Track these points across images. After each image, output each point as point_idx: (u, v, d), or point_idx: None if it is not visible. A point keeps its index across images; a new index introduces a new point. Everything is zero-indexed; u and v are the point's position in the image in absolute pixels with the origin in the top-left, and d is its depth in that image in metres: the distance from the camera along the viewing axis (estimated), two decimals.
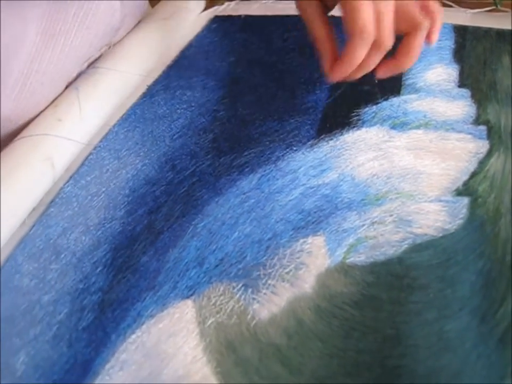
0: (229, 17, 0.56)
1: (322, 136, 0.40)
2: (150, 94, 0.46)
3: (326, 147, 0.39)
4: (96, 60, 0.47)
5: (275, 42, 0.51)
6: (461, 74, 0.45)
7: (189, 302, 0.29)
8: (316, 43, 0.41)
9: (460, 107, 0.41)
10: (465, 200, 0.34)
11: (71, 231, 0.34)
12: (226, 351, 0.27)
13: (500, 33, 0.49)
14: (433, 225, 0.33)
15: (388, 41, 0.38)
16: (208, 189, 0.36)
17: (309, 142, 0.39)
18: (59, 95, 0.43)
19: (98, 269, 0.32)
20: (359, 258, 0.31)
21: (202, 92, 0.45)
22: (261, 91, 0.45)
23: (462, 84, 0.44)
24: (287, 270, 0.31)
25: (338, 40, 0.40)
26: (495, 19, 0.51)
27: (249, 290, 0.30)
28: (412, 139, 0.39)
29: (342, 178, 0.36)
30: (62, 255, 0.32)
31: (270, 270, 0.31)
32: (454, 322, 0.27)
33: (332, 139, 0.39)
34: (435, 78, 0.44)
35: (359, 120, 0.41)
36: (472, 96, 0.42)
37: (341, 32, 0.38)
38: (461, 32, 0.50)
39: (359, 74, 0.40)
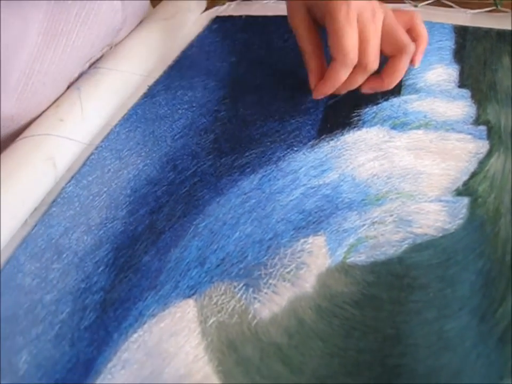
0: (230, 17, 0.56)
1: (323, 137, 0.40)
2: (151, 94, 0.46)
3: (327, 147, 0.39)
4: (97, 60, 0.47)
5: (276, 43, 0.51)
6: (461, 74, 0.45)
7: (191, 302, 0.29)
8: (303, 58, 0.42)
9: (460, 107, 0.42)
10: (465, 200, 0.34)
11: (73, 231, 0.34)
12: (227, 350, 0.27)
13: (500, 34, 0.49)
14: (433, 225, 0.33)
15: (373, 65, 0.39)
16: (209, 189, 0.36)
17: (310, 143, 0.39)
18: (61, 95, 0.43)
19: (100, 269, 0.32)
20: (360, 258, 0.31)
21: (203, 92, 0.46)
22: (262, 91, 0.45)
23: (462, 84, 0.44)
24: (288, 269, 0.31)
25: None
26: (495, 19, 0.51)
27: (251, 289, 0.30)
28: (412, 139, 0.39)
29: (343, 178, 0.36)
30: (64, 255, 0.33)
31: (271, 270, 0.31)
32: (453, 322, 0.27)
33: (332, 139, 0.39)
34: (435, 79, 0.45)
35: (360, 120, 0.41)
36: (472, 97, 0.42)
37: None
38: (461, 33, 0.50)
39: (344, 91, 0.42)
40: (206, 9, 0.59)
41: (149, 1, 0.55)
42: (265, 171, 0.37)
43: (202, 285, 0.30)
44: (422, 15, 0.52)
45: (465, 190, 0.35)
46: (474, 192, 0.34)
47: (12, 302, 0.30)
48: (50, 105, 0.42)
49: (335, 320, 0.28)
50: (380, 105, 0.42)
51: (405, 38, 0.40)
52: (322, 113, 0.42)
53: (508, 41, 0.48)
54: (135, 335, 0.28)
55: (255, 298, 0.29)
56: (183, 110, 0.44)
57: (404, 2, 0.55)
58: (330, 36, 0.38)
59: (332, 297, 0.29)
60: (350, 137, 0.39)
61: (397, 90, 0.43)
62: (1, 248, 0.33)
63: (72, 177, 0.38)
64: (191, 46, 0.52)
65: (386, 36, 0.39)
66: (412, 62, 0.41)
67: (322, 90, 0.41)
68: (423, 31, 0.42)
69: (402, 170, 0.37)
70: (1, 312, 0.29)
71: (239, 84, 0.46)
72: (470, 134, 0.39)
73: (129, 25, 0.50)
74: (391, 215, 0.33)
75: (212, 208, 0.35)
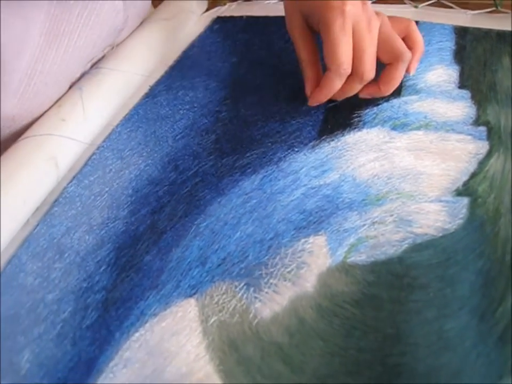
0: (231, 18, 0.56)
1: (323, 137, 0.40)
2: (152, 94, 0.46)
3: (328, 148, 0.39)
4: (99, 60, 0.47)
5: (277, 43, 0.51)
6: (461, 75, 0.45)
7: (192, 301, 0.30)
8: (300, 65, 0.42)
9: (460, 108, 0.42)
10: (465, 200, 0.34)
11: (74, 231, 0.34)
12: (228, 349, 0.27)
13: (500, 35, 0.49)
14: (433, 225, 0.33)
15: (369, 74, 0.40)
16: (210, 189, 0.36)
17: (311, 143, 0.40)
18: (63, 95, 0.43)
19: (102, 268, 0.32)
20: (360, 257, 0.31)
21: (205, 93, 0.46)
22: (262, 92, 0.45)
23: (462, 85, 0.44)
24: (288, 269, 0.31)
25: None
26: (496, 20, 0.52)
27: (251, 289, 0.30)
28: (412, 140, 0.39)
29: (343, 178, 0.36)
30: (66, 254, 0.33)
31: (272, 269, 0.31)
32: (453, 321, 0.28)
33: (333, 140, 0.40)
34: (435, 79, 0.45)
35: (360, 121, 0.41)
36: (472, 97, 0.43)
37: None
38: (462, 34, 0.50)
39: (341, 98, 0.42)
40: (207, 9, 0.59)
41: (150, 2, 0.55)
42: (266, 171, 0.37)
43: (204, 285, 0.30)
44: (422, 16, 0.53)
45: (465, 190, 0.35)
46: (474, 193, 0.35)
47: (14, 301, 0.30)
48: (52, 105, 0.42)
49: (336, 319, 0.28)
50: (380, 106, 0.42)
51: (401, 45, 0.40)
52: (323, 114, 0.42)
53: (508, 42, 0.48)
54: (137, 334, 0.28)
55: (256, 297, 0.30)
56: (185, 111, 0.44)
57: (404, 3, 0.56)
58: (325, 45, 0.39)
59: (333, 297, 0.29)
60: (351, 138, 0.40)
61: (397, 91, 0.43)
62: (3, 247, 0.33)
63: (74, 177, 0.38)
64: (192, 46, 0.52)
65: (383, 43, 0.40)
66: (407, 69, 0.42)
67: (318, 98, 0.42)
68: (418, 38, 0.42)
69: (403, 171, 0.37)
70: (4, 312, 0.29)
71: (240, 84, 0.47)
72: (470, 134, 0.39)
73: (130, 25, 0.50)
74: (391, 215, 0.34)
75: (213, 208, 0.35)
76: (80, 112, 0.41)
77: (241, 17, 0.56)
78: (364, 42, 0.38)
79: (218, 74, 0.48)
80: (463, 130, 0.40)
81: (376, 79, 0.41)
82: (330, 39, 0.38)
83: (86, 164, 0.39)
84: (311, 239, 0.32)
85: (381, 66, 0.41)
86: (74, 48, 0.42)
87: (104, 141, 0.41)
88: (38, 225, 0.35)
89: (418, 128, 0.40)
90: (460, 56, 0.47)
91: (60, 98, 0.43)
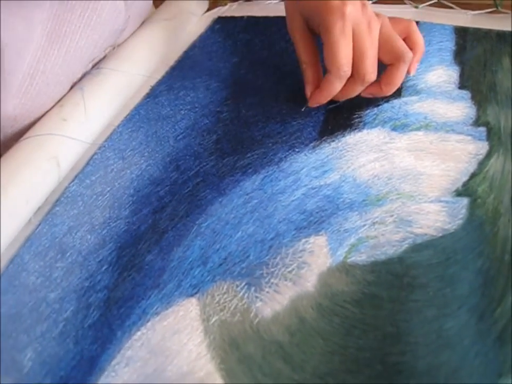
0: (232, 18, 0.56)
1: (324, 138, 0.40)
2: (153, 94, 0.46)
3: (328, 148, 0.39)
4: (100, 60, 0.47)
5: (278, 44, 0.51)
6: (461, 76, 0.45)
7: (193, 300, 0.30)
8: (300, 66, 0.42)
9: (460, 109, 0.42)
10: (465, 201, 0.34)
11: (76, 230, 0.34)
12: (229, 348, 0.27)
13: (500, 35, 0.49)
14: (433, 225, 0.33)
15: (371, 76, 0.40)
16: (211, 189, 0.37)
17: (311, 144, 0.40)
18: (64, 95, 0.44)
19: (104, 267, 0.32)
20: (360, 257, 0.32)
21: (206, 93, 0.46)
22: (263, 92, 0.45)
23: (462, 85, 0.44)
24: (289, 269, 0.31)
25: None
26: (496, 20, 0.52)
27: (252, 288, 0.30)
28: (412, 140, 0.39)
29: (344, 179, 0.37)
30: (68, 254, 0.33)
31: (272, 269, 0.31)
32: (453, 320, 0.28)
33: (333, 141, 0.40)
34: (436, 80, 0.45)
35: (361, 122, 0.41)
36: (472, 98, 0.43)
37: None
38: (462, 34, 0.50)
39: (342, 100, 0.42)
40: (208, 9, 0.59)
41: (151, 2, 0.55)
42: (267, 172, 0.38)
43: (205, 284, 0.31)
44: (423, 16, 0.53)
45: (465, 190, 0.35)
46: (473, 193, 0.35)
47: (16, 300, 0.30)
48: (53, 105, 0.42)
49: (336, 318, 0.28)
50: (380, 106, 0.42)
51: (402, 46, 0.40)
52: (324, 115, 0.42)
53: (508, 42, 0.48)
54: (139, 333, 0.28)
55: (257, 297, 0.30)
56: (186, 111, 0.44)
57: (404, 3, 0.56)
58: (325, 48, 0.39)
59: (333, 296, 0.30)
60: (351, 138, 0.40)
61: (397, 92, 0.43)
62: (5, 247, 0.33)
63: (76, 176, 0.38)
64: (193, 46, 0.52)
65: (384, 44, 0.40)
66: (408, 70, 0.42)
67: (318, 100, 0.42)
68: (419, 39, 0.42)
69: (403, 171, 0.37)
70: (6, 310, 0.30)
71: (241, 84, 0.47)
72: (469, 135, 0.39)
73: (132, 25, 0.51)
74: (392, 215, 0.34)
75: (214, 208, 0.35)
76: (82, 112, 0.41)
77: (242, 17, 0.56)
78: (365, 44, 0.39)
79: (219, 75, 0.48)
80: (463, 130, 0.40)
81: (377, 80, 0.41)
82: (331, 42, 0.38)
83: (87, 164, 0.39)
84: (311, 239, 0.33)
85: (383, 67, 0.41)
86: (76, 48, 0.42)
87: (105, 141, 0.41)
88: (40, 224, 0.35)
89: (418, 129, 0.40)
90: (460, 56, 0.47)
91: (61, 98, 0.43)
